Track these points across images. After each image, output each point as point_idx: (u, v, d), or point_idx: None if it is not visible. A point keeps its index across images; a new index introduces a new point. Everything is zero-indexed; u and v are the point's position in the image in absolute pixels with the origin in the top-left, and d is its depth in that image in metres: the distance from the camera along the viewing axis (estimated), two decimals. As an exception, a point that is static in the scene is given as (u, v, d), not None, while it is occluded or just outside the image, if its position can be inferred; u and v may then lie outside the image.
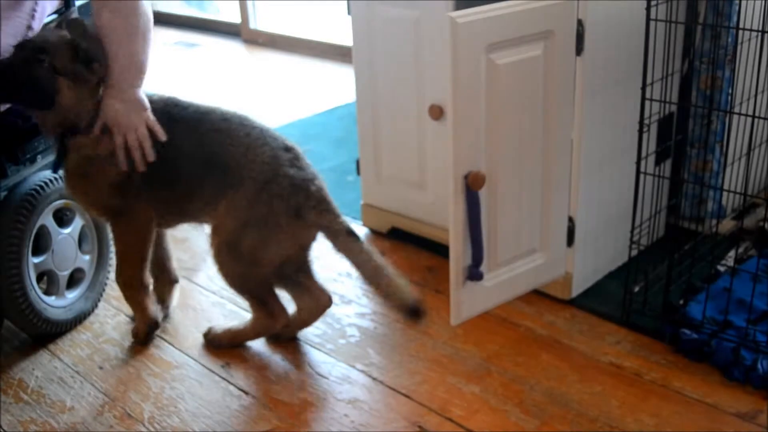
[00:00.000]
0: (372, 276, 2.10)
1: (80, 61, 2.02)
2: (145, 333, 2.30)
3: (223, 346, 2.27)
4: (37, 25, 2.15)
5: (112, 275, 2.34)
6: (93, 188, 2.14)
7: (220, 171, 2.11)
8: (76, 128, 2.08)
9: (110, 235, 2.42)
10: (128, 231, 2.20)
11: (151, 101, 2.13)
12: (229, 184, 2.10)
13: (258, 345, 2.28)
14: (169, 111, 2.16)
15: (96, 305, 2.43)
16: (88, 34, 2.04)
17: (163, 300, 2.43)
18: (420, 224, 2.69)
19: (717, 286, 2.26)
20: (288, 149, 2.19)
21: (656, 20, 2.01)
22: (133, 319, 2.35)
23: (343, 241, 2.11)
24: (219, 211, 2.13)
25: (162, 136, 2.09)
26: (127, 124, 2.05)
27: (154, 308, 2.31)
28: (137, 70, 2.07)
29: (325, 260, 2.69)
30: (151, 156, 2.08)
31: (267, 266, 2.16)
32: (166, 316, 2.41)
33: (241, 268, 2.15)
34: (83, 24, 2.07)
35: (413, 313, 2.08)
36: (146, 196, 2.15)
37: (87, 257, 2.39)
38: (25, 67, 2.00)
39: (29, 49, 2.01)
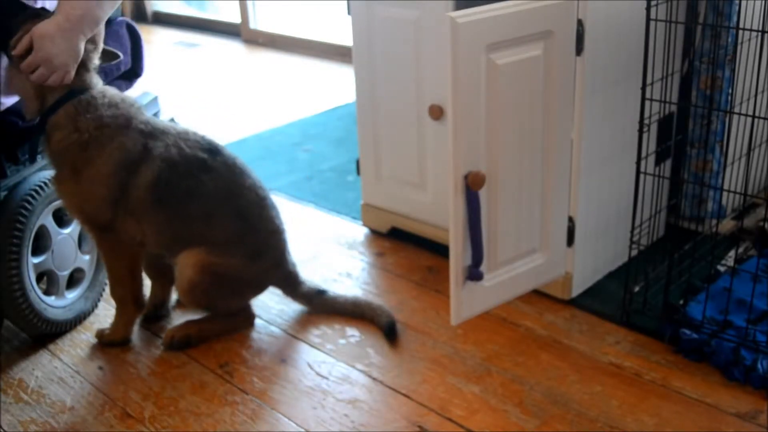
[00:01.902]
0: (354, 311, 2.37)
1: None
2: (112, 342, 2.29)
3: (193, 343, 2.27)
4: None
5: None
6: (84, 189, 2.11)
7: (249, 232, 2.24)
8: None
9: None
10: (112, 250, 2.20)
11: (187, 132, 2.19)
12: (247, 248, 2.23)
13: (257, 345, 2.28)
14: (211, 143, 2.21)
15: (96, 305, 2.43)
16: None
17: (162, 302, 2.42)
18: (420, 224, 2.69)
19: (717, 286, 2.26)
20: (284, 231, 2.36)
21: (656, 20, 2.01)
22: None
23: (318, 301, 2.40)
24: (216, 252, 2.18)
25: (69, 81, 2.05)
26: (53, 64, 1.98)
27: (134, 328, 2.31)
28: (92, 21, 2.02)
29: (325, 260, 2.69)
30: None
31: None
32: (165, 316, 2.41)
33: (219, 301, 2.28)
34: None
35: (390, 330, 2.29)
36: (144, 216, 2.14)
37: (87, 257, 2.39)
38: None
39: None
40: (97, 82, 2.12)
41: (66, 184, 2.11)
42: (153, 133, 2.13)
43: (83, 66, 2.07)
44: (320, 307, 2.40)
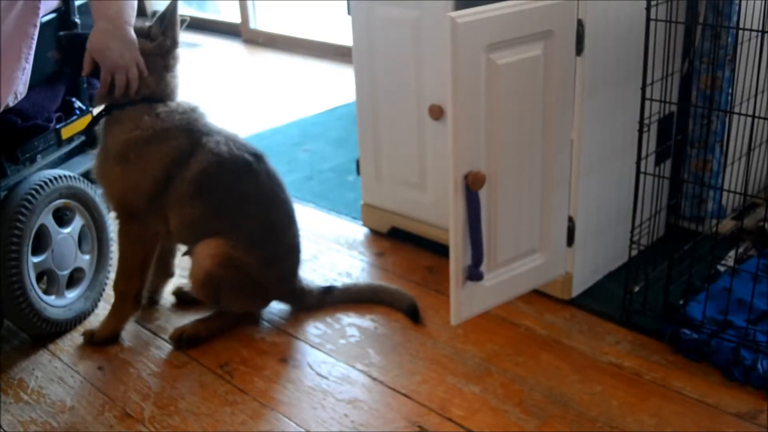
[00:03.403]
0: (371, 296, 2.42)
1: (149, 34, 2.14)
2: (101, 339, 2.28)
3: (202, 341, 2.27)
4: (38, 23, 2.15)
5: (113, 275, 2.34)
6: (131, 178, 2.15)
7: (272, 240, 2.28)
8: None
9: (111, 235, 2.43)
10: (133, 239, 2.22)
11: (237, 135, 2.26)
12: (266, 253, 2.25)
13: (257, 345, 2.28)
14: (257, 150, 2.26)
15: (96, 305, 2.43)
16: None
17: (156, 290, 2.45)
18: (420, 224, 2.69)
19: (717, 286, 2.26)
20: (300, 251, 2.41)
21: (656, 20, 2.01)
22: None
23: (329, 299, 2.42)
24: (238, 247, 2.20)
25: (145, 72, 2.13)
26: (120, 65, 2.07)
27: (125, 326, 2.31)
28: (129, 7, 2.10)
29: (325, 260, 2.69)
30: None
31: None
32: (156, 302, 2.44)
33: (227, 296, 2.27)
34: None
35: (412, 311, 2.35)
36: (179, 208, 2.17)
37: (87, 257, 2.39)
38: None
39: None
40: (172, 91, 2.19)
41: (113, 169, 2.16)
42: (209, 133, 2.21)
43: (159, 75, 2.15)
44: (333, 303, 2.42)
